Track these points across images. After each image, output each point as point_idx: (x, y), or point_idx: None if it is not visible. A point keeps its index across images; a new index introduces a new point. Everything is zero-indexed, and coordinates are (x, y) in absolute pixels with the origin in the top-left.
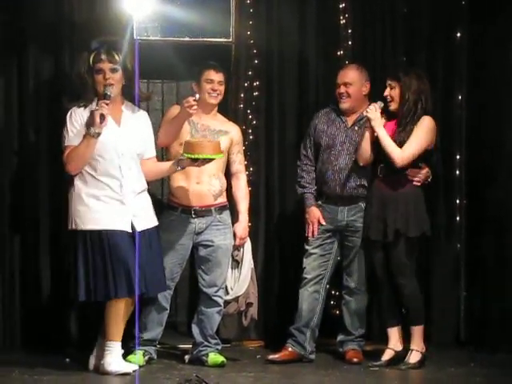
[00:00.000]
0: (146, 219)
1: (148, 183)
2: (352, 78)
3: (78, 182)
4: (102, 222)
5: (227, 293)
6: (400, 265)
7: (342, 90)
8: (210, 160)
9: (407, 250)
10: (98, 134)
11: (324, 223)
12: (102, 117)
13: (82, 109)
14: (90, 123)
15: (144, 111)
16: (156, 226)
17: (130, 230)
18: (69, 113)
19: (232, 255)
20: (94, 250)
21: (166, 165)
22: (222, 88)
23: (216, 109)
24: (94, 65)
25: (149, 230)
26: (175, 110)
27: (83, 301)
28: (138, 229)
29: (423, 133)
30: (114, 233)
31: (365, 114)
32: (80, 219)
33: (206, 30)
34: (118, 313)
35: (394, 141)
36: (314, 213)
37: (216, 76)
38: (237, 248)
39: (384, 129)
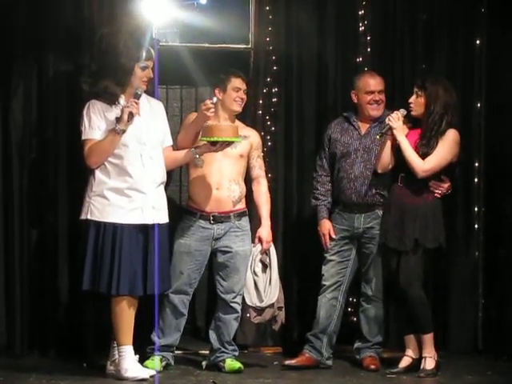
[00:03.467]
0: (164, 213)
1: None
2: (383, 85)
3: (98, 173)
4: (120, 216)
5: (262, 299)
6: (411, 275)
7: (378, 97)
8: (229, 144)
9: (422, 260)
10: (123, 132)
11: (334, 236)
12: (131, 115)
13: (101, 102)
14: (117, 120)
15: (159, 101)
16: (167, 224)
17: (149, 222)
18: (86, 105)
19: (260, 260)
20: (105, 242)
21: (183, 152)
22: (245, 97)
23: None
24: (143, 61)
25: (163, 225)
26: (193, 116)
27: (86, 290)
28: (156, 221)
29: (448, 146)
30: (129, 227)
31: (387, 121)
32: (98, 210)
33: (225, 36)
34: (123, 313)
35: (417, 152)
36: (325, 225)
37: (243, 85)
38: (264, 252)
39: (406, 138)
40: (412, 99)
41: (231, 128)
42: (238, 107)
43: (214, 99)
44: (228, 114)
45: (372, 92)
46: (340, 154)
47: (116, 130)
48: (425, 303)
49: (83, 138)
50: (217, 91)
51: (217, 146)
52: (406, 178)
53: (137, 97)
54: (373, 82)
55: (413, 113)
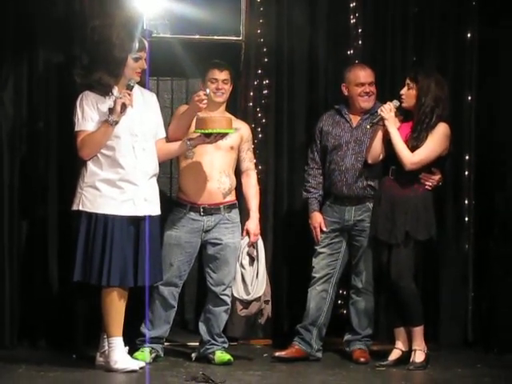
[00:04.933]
0: (156, 205)
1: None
2: (373, 77)
3: (90, 164)
4: (111, 207)
5: (248, 292)
6: (403, 267)
7: (368, 89)
8: (224, 135)
9: (413, 253)
10: (116, 123)
11: (325, 229)
12: (124, 106)
13: (95, 94)
14: (110, 111)
15: (152, 93)
16: (159, 216)
17: (141, 214)
18: (80, 97)
19: (247, 253)
20: (96, 233)
21: (177, 144)
22: (227, 86)
23: (224, 106)
24: (136, 52)
25: (154, 217)
26: (184, 108)
27: (77, 281)
28: (148, 213)
29: (438, 139)
30: (121, 219)
31: (379, 112)
32: (89, 201)
33: (216, 28)
34: (113, 304)
35: (407, 145)
36: (316, 218)
37: (220, 75)
38: (252, 245)
39: (397, 130)
40: (403, 91)
41: (225, 120)
42: (217, 98)
43: (207, 90)
44: (214, 106)
45: (362, 84)
46: (331, 146)
47: (109, 122)
48: (416, 296)
49: (76, 129)
50: (201, 85)
51: (211, 137)
52: (397, 170)
53: (129, 88)
54: (363, 74)
55: (404, 104)
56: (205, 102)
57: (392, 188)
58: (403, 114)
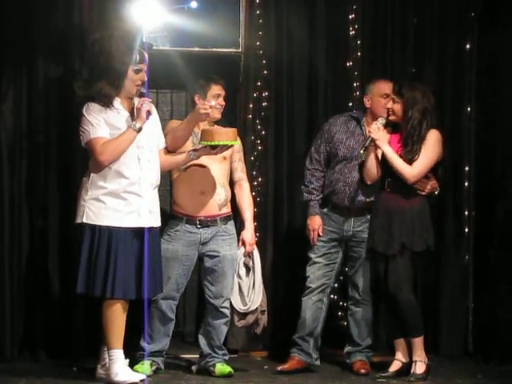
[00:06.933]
0: (158, 216)
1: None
2: None
3: (95, 176)
4: (116, 219)
5: (245, 303)
6: (401, 279)
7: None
8: (229, 147)
9: (410, 264)
10: (140, 130)
11: (321, 235)
12: (148, 113)
13: (96, 104)
14: (132, 118)
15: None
16: (160, 227)
17: (145, 226)
18: (84, 107)
19: (244, 263)
20: (100, 246)
21: (181, 155)
22: (224, 103)
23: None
24: (137, 64)
25: (156, 228)
26: (174, 123)
27: (81, 293)
28: (151, 224)
29: (432, 147)
30: (125, 231)
31: (368, 134)
32: (93, 214)
33: (215, 40)
34: (115, 316)
35: (401, 158)
36: (316, 221)
37: (222, 91)
38: (248, 255)
39: (390, 147)
40: (389, 105)
41: (231, 131)
42: (218, 114)
43: (212, 102)
44: (210, 120)
45: (387, 95)
46: (342, 156)
47: (134, 128)
48: (414, 307)
49: (91, 136)
50: (196, 98)
51: (216, 149)
52: (393, 182)
53: (144, 95)
54: (388, 86)
55: (391, 118)
56: (209, 111)
57: (388, 200)
58: (391, 126)
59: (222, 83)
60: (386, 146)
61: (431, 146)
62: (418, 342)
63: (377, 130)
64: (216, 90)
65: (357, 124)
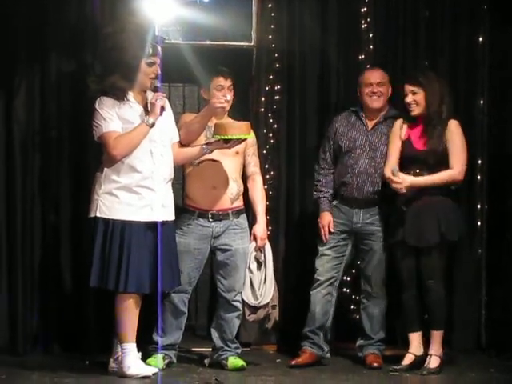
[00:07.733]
0: (172, 210)
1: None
2: (383, 78)
3: (108, 170)
4: (129, 213)
5: (256, 297)
6: (436, 269)
7: (376, 89)
8: (242, 141)
9: (445, 254)
10: (153, 125)
11: (332, 230)
12: (162, 109)
13: (109, 98)
14: (146, 112)
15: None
16: (174, 221)
17: (158, 220)
18: (97, 101)
19: (255, 257)
20: (113, 239)
21: (194, 149)
22: (231, 93)
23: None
24: (150, 57)
25: (170, 222)
26: (188, 117)
27: (94, 287)
28: (164, 218)
29: (460, 139)
30: (138, 225)
31: (394, 188)
32: (107, 208)
33: (227, 34)
34: (128, 310)
35: (427, 148)
36: (326, 217)
37: (226, 82)
38: (259, 249)
39: (423, 178)
40: (409, 99)
41: (245, 125)
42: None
43: (228, 97)
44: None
45: (370, 84)
46: (346, 148)
47: (147, 123)
48: (443, 300)
49: (104, 130)
50: (202, 92)
51: (230, 143)
52: (419, 174)
53: (158, 90)
54: (371, 75)
55: (414, 113)
56: (224, 105)
57: (417, 192)
58: (410, 121)
59: (224, 74)
60: (419, 180)
61: (459, 139)
62: (438, 336)
63: (400, 185)
64: (218, 81)
65: (356, 116)
